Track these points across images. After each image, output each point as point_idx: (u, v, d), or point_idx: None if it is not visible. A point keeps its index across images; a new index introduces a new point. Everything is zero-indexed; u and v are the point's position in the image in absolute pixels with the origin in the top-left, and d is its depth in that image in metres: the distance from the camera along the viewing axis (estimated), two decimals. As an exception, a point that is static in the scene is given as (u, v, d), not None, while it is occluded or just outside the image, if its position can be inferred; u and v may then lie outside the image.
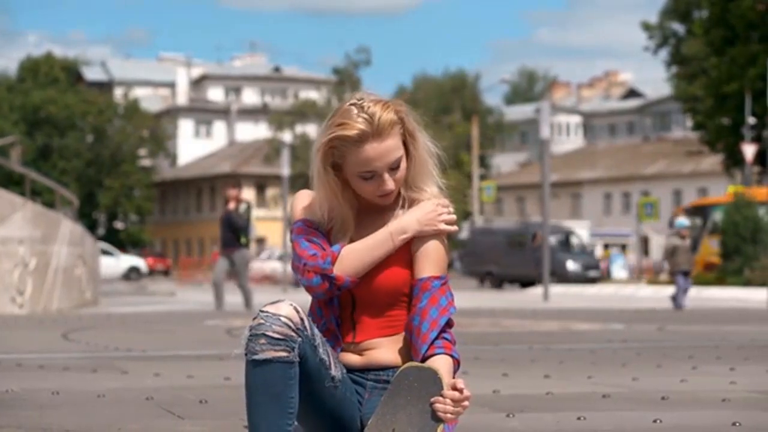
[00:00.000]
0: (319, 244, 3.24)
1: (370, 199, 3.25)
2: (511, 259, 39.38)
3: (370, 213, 3.29)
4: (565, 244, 40.73)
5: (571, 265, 39.11)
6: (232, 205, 16.21)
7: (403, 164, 3.24)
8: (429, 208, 3.24)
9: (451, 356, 3.18)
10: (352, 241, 3.25)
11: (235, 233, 15.99)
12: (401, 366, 3.13)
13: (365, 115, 3.17)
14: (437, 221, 3.23)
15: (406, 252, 3.24)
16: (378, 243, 3.21)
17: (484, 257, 40.40)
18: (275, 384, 3.00)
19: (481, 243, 41.29)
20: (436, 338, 3.17)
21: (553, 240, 39.10)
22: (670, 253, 19.25)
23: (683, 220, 20.43)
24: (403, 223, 3.22)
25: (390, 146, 3.20)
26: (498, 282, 39.28)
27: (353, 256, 3.19)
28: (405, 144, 3.24)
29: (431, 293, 3.20)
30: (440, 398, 3.02)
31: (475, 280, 41.45)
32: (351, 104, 3.21)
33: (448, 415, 3.01)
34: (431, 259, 3.24)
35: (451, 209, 3.28)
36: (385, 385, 3.21)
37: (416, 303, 3.21)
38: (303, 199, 3.33)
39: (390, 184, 3.21)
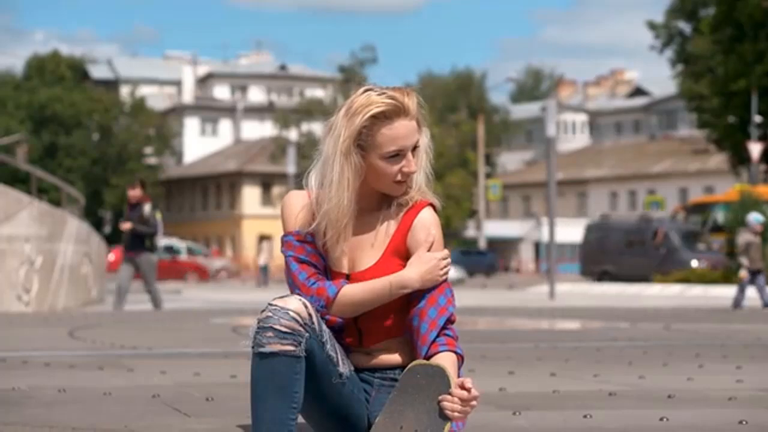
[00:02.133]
0: (311, 263, 3.20)
1: (386, 186, 3.19)
2: (629, 257, 36.47)
3: (362, 214, 3.24)
4: (692, 242, 36.38)
5: (696, 265, 34.65)
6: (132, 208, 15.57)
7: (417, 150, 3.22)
8: (430, 262, 3.17)
9: (455, 352, 3.16)
10: (343, 256, 3.21)
11: (141, 236, 15.55)
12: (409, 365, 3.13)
13: (389, 96, 3.14)
14: (438, 276, 3.18)
15: (403, 259, 3.22)
16: (376, 295, 3.16)
17: (600, 256, 37.32)
18: (280, 377, 2.99)
19: (597, 241, 38.01)
20: (436, 338, 3.15)
21: (676, 237, 36.08)
22: (745, 249, 18.19)
23: (758, 216, 18.80)
24: (405, 278, 3.16)
25: (415, 126, 3.18)
26: (615, 282, 35.48)
27: (349, 303, 3.16)
28: None
29: (429, 293, 3.18)
30: (448, 396, 3.01)
31: (592, 279, 37.62)
32: (366, 90, 3.17)
33: (456, 414, 3.00)
34: None
35: (449, 259, 3.21)
36: (393, 383, 3.20)
37: (415, 303, 3.18)
38: (294, 203, 3.26)
39: (413, 164, 3.17)
